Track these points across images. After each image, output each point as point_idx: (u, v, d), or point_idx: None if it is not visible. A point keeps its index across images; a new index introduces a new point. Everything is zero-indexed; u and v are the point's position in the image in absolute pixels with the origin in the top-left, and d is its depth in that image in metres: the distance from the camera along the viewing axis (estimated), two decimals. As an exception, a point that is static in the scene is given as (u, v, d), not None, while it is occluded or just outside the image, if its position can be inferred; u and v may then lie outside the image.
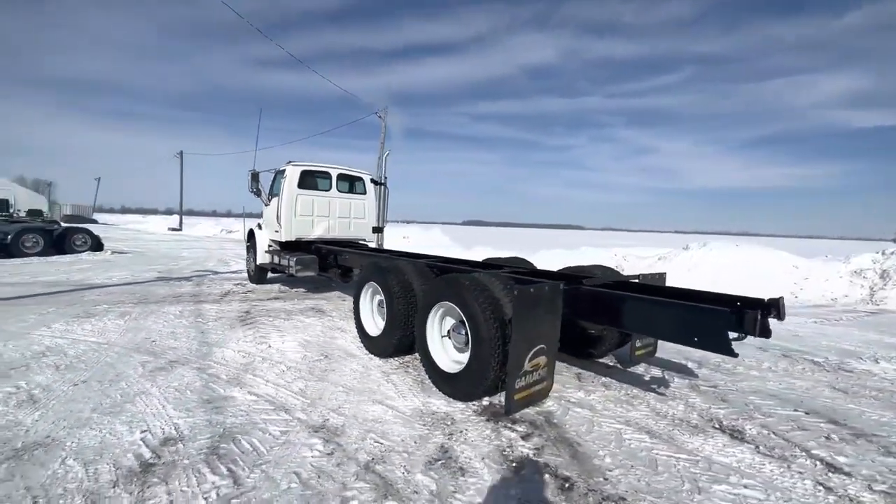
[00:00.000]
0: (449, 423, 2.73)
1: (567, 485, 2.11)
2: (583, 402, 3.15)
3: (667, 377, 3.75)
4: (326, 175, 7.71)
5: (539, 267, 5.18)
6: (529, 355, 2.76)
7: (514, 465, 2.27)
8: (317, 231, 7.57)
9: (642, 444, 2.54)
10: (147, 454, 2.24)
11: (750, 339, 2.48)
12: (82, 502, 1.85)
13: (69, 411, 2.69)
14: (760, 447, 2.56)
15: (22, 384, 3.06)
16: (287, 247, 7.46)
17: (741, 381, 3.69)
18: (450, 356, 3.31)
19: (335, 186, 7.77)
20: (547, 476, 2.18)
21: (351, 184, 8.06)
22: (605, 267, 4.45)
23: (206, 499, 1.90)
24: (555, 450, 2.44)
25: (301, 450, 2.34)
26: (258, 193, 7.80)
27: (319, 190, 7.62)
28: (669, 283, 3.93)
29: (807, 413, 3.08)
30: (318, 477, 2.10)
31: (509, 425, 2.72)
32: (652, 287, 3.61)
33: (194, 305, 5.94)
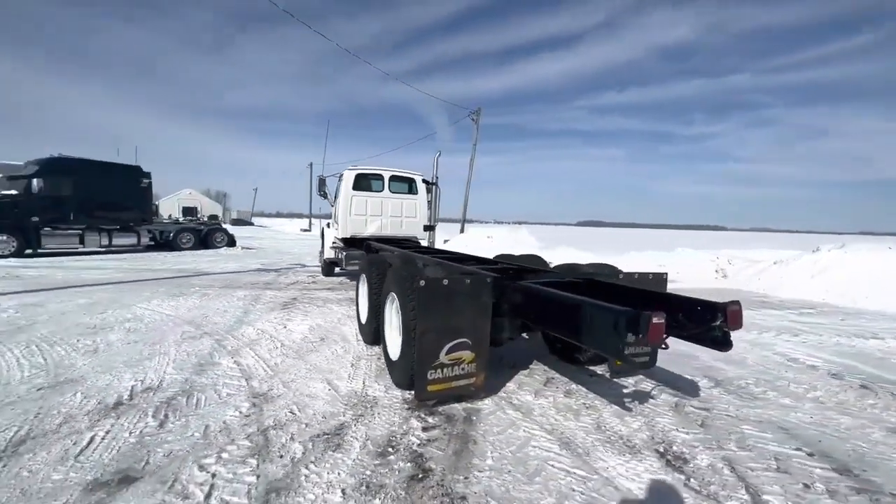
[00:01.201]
0: (369, 406, 2.87)
1: (420, 476, 2.09)
2: (524, 405, 2.97)
3: (655, 392, 3.26)
4: (379, 177, 8.32)
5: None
6: (446, 348, 2.73)
7: (389, 450, 2.32)
8: (370, 229, 8.23)
9: (543, 454, 2.33)
10: (125, 396, 2.88)
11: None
12: (61, 419, 2.52)
13: (108, 361, 3.56)
14: (693, 480, 2.14)
15: (97, 339, 4.13)
16: (348, 244, 8.28)
17: (755, 408, 3.02)
18: (397, 344, 3.42)
19: (387, 187, 8.34)
20: (409, 465, 2.18)
21: (403, 185, 8.55)
22: (608, 265, 4.05)
23: (131, 433, 2.40)
24: (443, 445, 2.40)
25: (228, 409, 2.74)
26: (325, 196, 8.80)
27: (373, 191, 8.27)
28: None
29: (811, 454, 2.42)
30: (220, 431, 2.46)
31: (423, 416, 2.74)
32: (625, 287, 3.19)
33: (260, 291, 7.03)
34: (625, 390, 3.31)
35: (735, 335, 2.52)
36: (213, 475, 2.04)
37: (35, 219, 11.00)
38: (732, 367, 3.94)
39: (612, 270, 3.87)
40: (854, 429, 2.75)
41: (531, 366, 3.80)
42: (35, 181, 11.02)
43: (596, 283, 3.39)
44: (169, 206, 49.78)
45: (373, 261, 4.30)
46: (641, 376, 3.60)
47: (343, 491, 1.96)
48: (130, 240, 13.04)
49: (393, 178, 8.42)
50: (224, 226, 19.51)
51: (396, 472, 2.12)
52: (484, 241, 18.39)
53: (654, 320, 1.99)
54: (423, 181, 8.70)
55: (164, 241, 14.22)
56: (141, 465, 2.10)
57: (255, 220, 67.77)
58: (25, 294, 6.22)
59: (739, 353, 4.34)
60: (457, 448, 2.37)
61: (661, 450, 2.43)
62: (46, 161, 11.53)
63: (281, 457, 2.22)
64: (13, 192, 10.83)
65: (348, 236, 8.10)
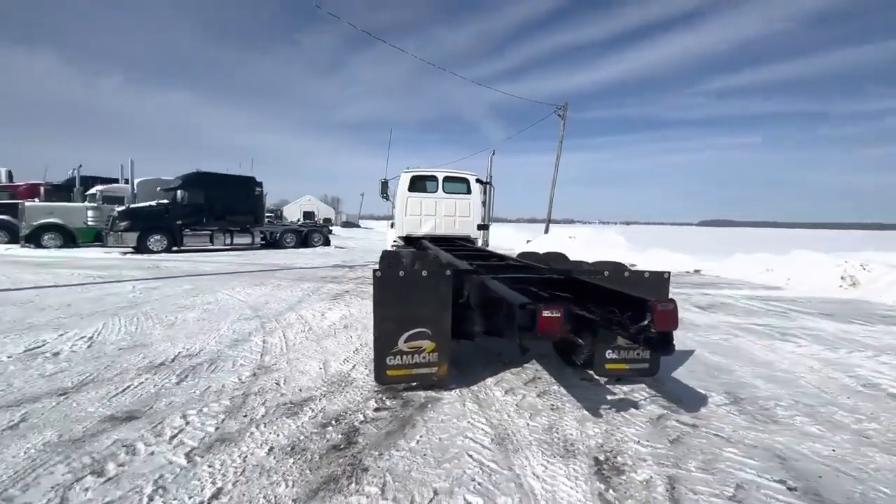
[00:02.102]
0: (343, 386, 3.15)
1: (342, 446, 2.30)
2: (487, 399, 2.97)
3: (644, 402, 2.97)
4: (433, 178, 8.67)
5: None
6: (405, 336, 2.89)
7: (332, 423, 2.57)
8: (424, 228, 8.63)
9: (469, 445, 2.36)
10: (168, 360, 3.62)
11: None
12: (117, 371, 3.29)
13: (175, 333, 4.45)
14: (611, 491, 1.98)
15: (178, 316, 5.16)
16: (406, 243, 8.80)
17: (760, 432, 2.58)
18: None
19: (441, 188, 8.65)
20: (340, 437, 2.40)
21: (457, 185, 8.77)
22: (615, 263, 3.79)
23: (154, 386, 3.05)
24: (382, 424, 2.57)
25: (232, 377, 3.27)
26: (387, 198, 9.45)
27: (428, 192, 8.66)
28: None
29: (792, 489, 2.03)
30: (215, 392, 2.97)
31: (383, 399, 2.93)
32: (603, 287, 2.97)
33: (323, 284, 7.89)
34: (610, 397, 3.07)
35: (810, 351, 2.21)
36: (187, 423, 2.51)
37: (179, 222, 13.80)
38: (773, 385, 3.34)
39: (617, 267, 3.59)
40: (884, 470, 2.19)
41: (527, 365, 3.72)
42: (179, 192, 13.84)
43: (579, 281, 3.21)
44: (293, 211, 57.34)
45: (385, 255, 4.61)
46: (644, 385, 3.28)
47: (271, 448, 2.26)
48: (247, 239, 15.51)
49: (447, 179, 8.70)
50: (333, 227, 21.92)
51: (324, 441, 2.36)
52: (565, 242, 17.65)
53: (544, 313, 1.91)
54: (478, 181, 8.81)
55: (273, 241, 16.59)
56: (145, 409, 2.69)
57: (362, 222, 74.36)
58: (154, 280, 7.96)
59: (796, 371, 3.65)
60: (392, 429, 2.52)
61: (602, 458, 2.26)
62: (187, 176, 14.38)
63: (245, 416, 2.62)
64: (165, 201, 13.75)
65: (404, 235, 8.61)
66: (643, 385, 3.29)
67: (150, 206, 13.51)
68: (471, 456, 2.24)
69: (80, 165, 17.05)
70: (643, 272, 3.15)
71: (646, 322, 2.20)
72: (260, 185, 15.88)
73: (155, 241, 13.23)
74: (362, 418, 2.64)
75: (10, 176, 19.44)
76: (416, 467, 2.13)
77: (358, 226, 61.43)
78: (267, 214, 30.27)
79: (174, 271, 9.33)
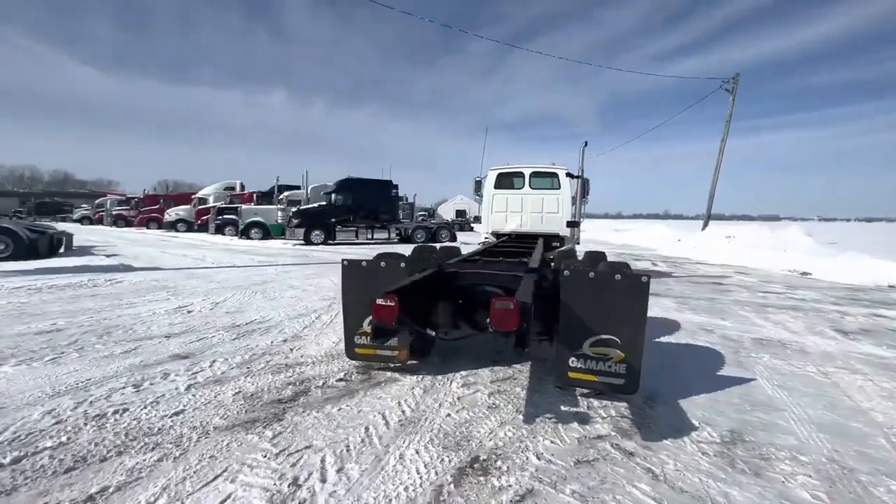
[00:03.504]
0: (335, 358, 3.69)
1: (279, 400, 2.82)
2: (438, 389, 3.09)
3: (599, 420, 2.65)
4: (520, 174, 8.55)
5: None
6: (368, 319, 3.24)
7: (289, 381, 3.12)
8: (510, 225, 8.61)
9: (370, 417, 2.58)
10: (244, 324, 4.78)
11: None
12: (211, 327, 4.55)
13: (267, 305, 5.74)
14: (454, 486, 1.97)
15: (282, 293, 6.57)
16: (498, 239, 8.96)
17: (719, 482, 2.07)
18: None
19: (528, 184, 8.48)
20: (290, 388, 2.93)
21: (545, 180, 8.44)
22: (613, 263, 3.38)
23: (218, 340, 4.13)
24: (326, 390, 2.99)
25: (268, 340, 4.16)
26: (482, 197, 9.71)
27: (515, 189, 8.60)
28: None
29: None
30: (245, 349, 3.87)
31: (353, 371, 3.35)
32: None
33: (412, 275, 8.71)
34: (566, 408, 2.82)
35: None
36: (210, 366, 3.41)
37: (333, 220, 16.83)
38: (821, 435, 2.50)
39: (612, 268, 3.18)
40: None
41: (517, 365, 3.61)
42: (333, 195, 16.87)
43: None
44: (448, 209, 62.00)
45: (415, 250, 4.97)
46: (627, 403, 2.87)
47: (238, 392, 2.93)
48: (384, 235, 17.84)
49: (534, 174, 8.48)
50: (474, 225, 23.26)
51: (276, 395, 2.91)
52: (720, 244, 14.83)
53: (378, 301, 2.01)
54: (567, 175, 8.31)
55: (407, 236, 18.60)
56: (197, 353, 3.72)
57: None
58: (294, 266, 10.08)
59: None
60: (333, 396, 2.92)
61: (483, 457, 2.20)
62: (340, 181, 17.39)
63: (246, 369, 3.39)
64: (323, 203, 16.94)
65: (489, 232, 8.76)
66: (626, 404, 2.88)
67: (313, 207, 16.88)
68: (365, 428, 2.48)
69: (279, 177, 22.30)
70: (613, 273, 2.75)
71: (488, 320, 2.04)
72: (396, 187, 18.03)
73: (315, 235, 16.48)
74: (321, 384, 3.12)
75: (242, 187, 26.71)
76: (317, 426, 2.49)
77: (505, 223, 62.29)
78: (420, 213, 33.57)
79: (315, 259, 11.56)
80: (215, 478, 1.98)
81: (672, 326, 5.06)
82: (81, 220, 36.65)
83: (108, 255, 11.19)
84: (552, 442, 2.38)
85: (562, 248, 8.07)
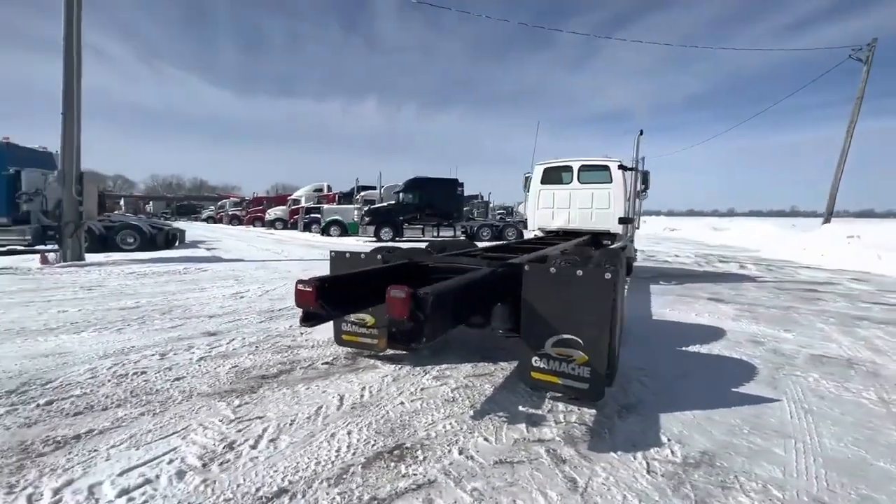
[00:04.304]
0: (328, 346, 3.94)
1: (265, 376, 3.13)
2: (408, 379, 3.17)
3: (551, 424, 2.50)
4: (568, 168, 8.14)
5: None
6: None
7: (281, 362, 3.42)
8: (556, 222, 8.24)
9: (329, 398, 2.75)
10: (277, 310, 5.31)
11: None
12: (245, 296, 5.17)
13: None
14: (340, 464, 2.05)
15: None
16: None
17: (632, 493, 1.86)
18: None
19: (577, 178, 8.03)
20: (275, 356, 3.23)
21: (595, 174, 7.91)
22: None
23: (249, 322, 4.68)
24: (305, 371, 3.24)
25: (287, 324, 4.59)
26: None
27: (563, 184, 8.20)
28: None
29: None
30: (268, 331, 4.32)
31: (342, 357, 3.57)
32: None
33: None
34: (523, 408, 2.70)
35: None
36: (228, 342, 3.89)
37: (401, 218, 17.61)
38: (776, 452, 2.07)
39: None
40: None
41: (503, 362, 3.52)
42: (401, 194, 17.64)
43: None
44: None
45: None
46: (596, 410, 2.66)
47: (234, 366, 3.32)
48: (449, 232, 18.17)
49: (583, 168, 8.01)
50: (514, 223, 22.68)
51: (263, 371, 3.24)
52: (838, 245, 12.55)
53: (299, 286, 2.14)
54: (620, 167, 7.67)
55: (471, 235, 18.71)
56: (225, 332, 4.26)
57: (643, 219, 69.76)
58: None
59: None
60: (309, 377, 3.16)
61: (402, 444, 2.24)
62: (408, 181, 18.12)
63: (256, 348, 3.81)
64: (392, 202, 17.80)
65: (535, 229, 8.48)
66: (595, 411, 2.67)
67: (383, 206, 17.85)
68: (318, 407, 2.66)
69: (358, 178, 23.92)
70: (575, 269, 2.55)
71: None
72: (461, 185, 18.23)
73: (384, 232, 17.42)
74: (307, 365, 3.39)
75: (329, 188, 29.20)
76: (278, 401, 2.74)
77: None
78: (499, 210, 33.38)
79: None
80: (173, 433, 2.31)
81: (712, 335, 4.46)
82: (207, 219, 43.27)
83: (208, 249, 13.13)
84: (485, 439, 2.32)
85: (612, 247, 7.53)
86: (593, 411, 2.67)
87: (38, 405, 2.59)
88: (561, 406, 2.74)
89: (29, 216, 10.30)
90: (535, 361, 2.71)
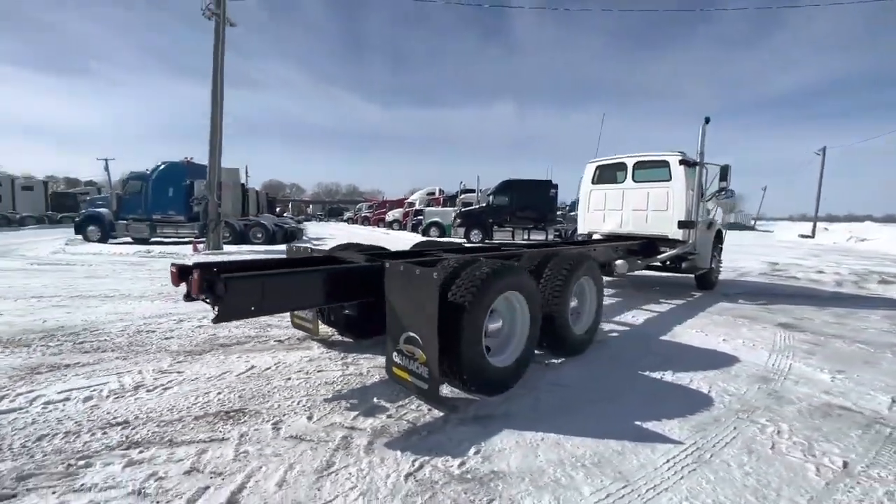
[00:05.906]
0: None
1: (257, 337, 3.82)
2: (359, 365, 3.49)
3: (408, 407, 2.56)
4: (622, 166, 7.29)
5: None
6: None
7: (253, 334, 4.09)
8: (608, 225, 7.46)
9: (253, 369, 3.26)
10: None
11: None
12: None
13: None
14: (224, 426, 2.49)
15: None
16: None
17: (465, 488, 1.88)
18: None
19: (631, 176, 7.14)
20: (272, 341, 3.92)
21: (653, 171, 6.92)
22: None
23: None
24: (258, 342, 3.83)
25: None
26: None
27: (616, 183, 7.39)
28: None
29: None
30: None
31: (299, 335, 4.09)
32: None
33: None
34: (378, 399, 2.77)
35: None
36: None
37: (490, 220, 17.74)
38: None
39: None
40: None
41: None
42: (491, 197, 17.74)
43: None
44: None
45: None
46: (450, 410, 2.61)
47: (228, 333, 4.12)
48: (541, 235, 17.54)
49: (639, 165, 7.08)
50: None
51: (233, 338, 3.95)
52: None
53: (171, 268, 2.65)
54: (682, 162, 6.53)
55: (566, 237, 17.71)
56: (242, 309, 5.22)
57: (760, 224, 57.34)
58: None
59: None
60: (252, 348, 3.74)
61: (250, 395, 2.59)
62: (500, 183, 18.10)
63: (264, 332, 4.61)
64: (483, 204, 18.04)
65: (585, 232, 7.81)
66: (446, 413, 2.61)
67: (475, 208, 18.21)
68: (224, 372, 3.18)
69: (462, 182, 24.85)
70: (415, 268, 2.53)
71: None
72: (555, 187, 17.43)
73: (474, 234, 17.77)
74: (262, 340, 3.99)
75: (440, 192, 30.92)
76: (207, 363, 3.36)
77: (752, 228, 48.03)
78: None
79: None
80: (118, 373, 3.11)
81: (709, 364, 3.64)
82: (347, 220, 49.97)
83: (314, 243, 15.43)
84: (309, 418, 2.51)
85: (665, 254, 6.53)
86: (441, 414, 2.61)
87: (67, 342, 3.73)
88: (419, 404, 2.73)
89: (198, 215, 13.71)
90: (395, 357, 2.77)
